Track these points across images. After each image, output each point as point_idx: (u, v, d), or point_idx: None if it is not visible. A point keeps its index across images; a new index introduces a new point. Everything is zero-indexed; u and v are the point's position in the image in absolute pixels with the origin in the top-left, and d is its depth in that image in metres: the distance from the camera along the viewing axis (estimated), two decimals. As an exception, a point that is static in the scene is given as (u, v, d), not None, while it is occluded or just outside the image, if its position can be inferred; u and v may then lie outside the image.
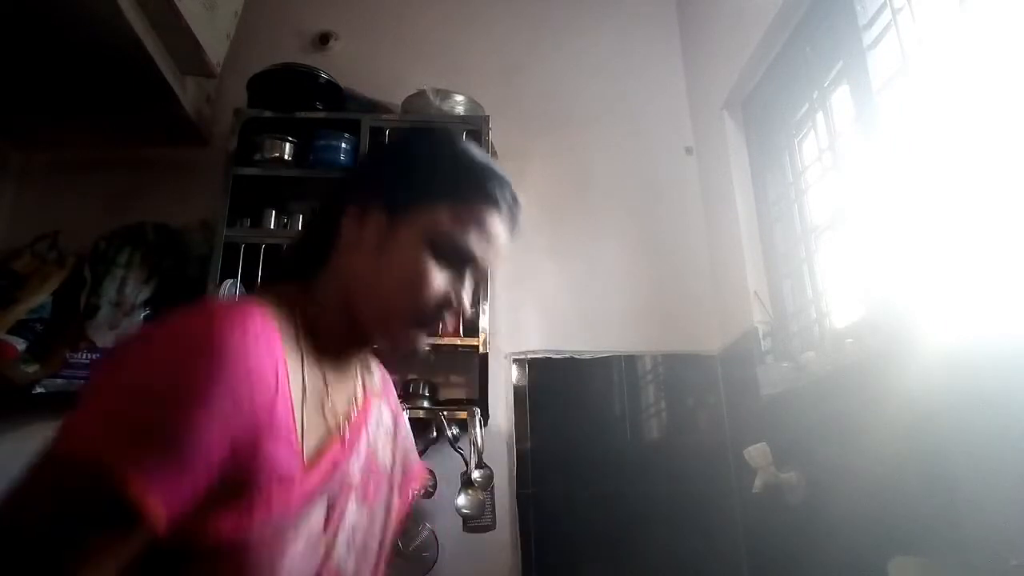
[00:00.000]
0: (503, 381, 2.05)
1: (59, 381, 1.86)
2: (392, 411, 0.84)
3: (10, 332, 1.90)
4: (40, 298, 1.95)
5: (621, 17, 2.52)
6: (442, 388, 2.00)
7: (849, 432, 1.37)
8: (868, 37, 1.45)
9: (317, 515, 0.63)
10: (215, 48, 1.96)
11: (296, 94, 2.07)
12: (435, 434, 1.89)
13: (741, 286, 1.94)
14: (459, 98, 2.13)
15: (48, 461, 0.50)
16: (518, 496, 1.92)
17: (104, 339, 1.90)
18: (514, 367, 2.07)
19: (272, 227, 1.99)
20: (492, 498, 1.80)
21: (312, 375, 0.67)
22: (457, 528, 1.76)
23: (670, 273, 2.20)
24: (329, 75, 2.11)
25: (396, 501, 0.80)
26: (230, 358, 0.53)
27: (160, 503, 0.49)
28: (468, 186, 0.70)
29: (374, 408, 0.79)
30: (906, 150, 1.32)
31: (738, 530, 1.89)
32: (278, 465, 0.58)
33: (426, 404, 1.90)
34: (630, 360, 2.10)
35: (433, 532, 1.82)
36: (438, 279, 0.68)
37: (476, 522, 1.75)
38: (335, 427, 0.69)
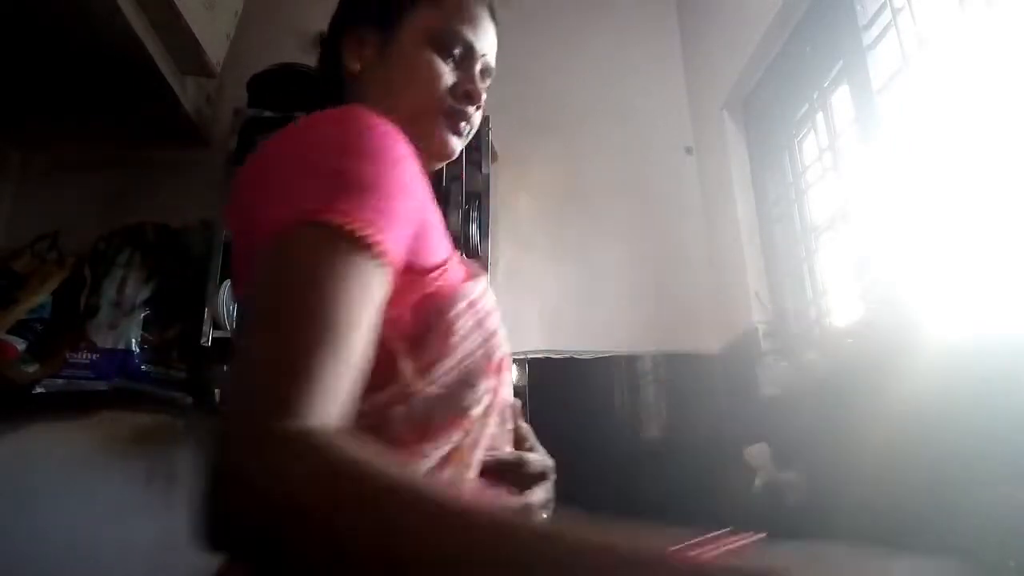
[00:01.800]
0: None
1: (59, 381, 1.86)
2: None
3: (10, 332, 1.89)
4: (40, 298, 1.95)
5: (621, 17, 2.52)
6: (442, 388, 2.00)
7: (849, 432, 1.37)
8: (868, 37, 1.45)
9: (479, 298, 0.67)
10: (215, 48, 1.95)
11: (296, 94, 2.07)
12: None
13: (741, 286, 1.94)
14: (459, 98, 2.13)
15: (266, 248, 0.49)
16: (518, 496, 1.92)
17: (104, 339, 1.90)
18: (514, 367, 2.07)
19: (272, 227, 1.98)
20: (492, 498, 1.79)
21: None
22: (457, 528, 1.76)
23: (670, 273, 2.20)
24: (329, 75, 2.10)
25: None
26: (393, 131, 0.58)
27: (383, 240, 0.50)
28: None
29: None
30: (906, 150, 1.32)
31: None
32: (441, 243, 0.63)
33: (426, 404, 1.90)
34: (630, 360, 2.09)
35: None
36: (447, 71, 0.72)
37: (476, 522, 1.75)
38: None
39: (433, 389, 0.59)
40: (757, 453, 1.61)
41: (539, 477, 0.71)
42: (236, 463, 0.40)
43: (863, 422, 1.32)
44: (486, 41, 0.76)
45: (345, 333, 0.46)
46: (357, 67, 0.74)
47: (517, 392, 2.09)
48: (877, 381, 1.27)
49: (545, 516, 0.71)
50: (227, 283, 1.89)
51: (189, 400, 1.93)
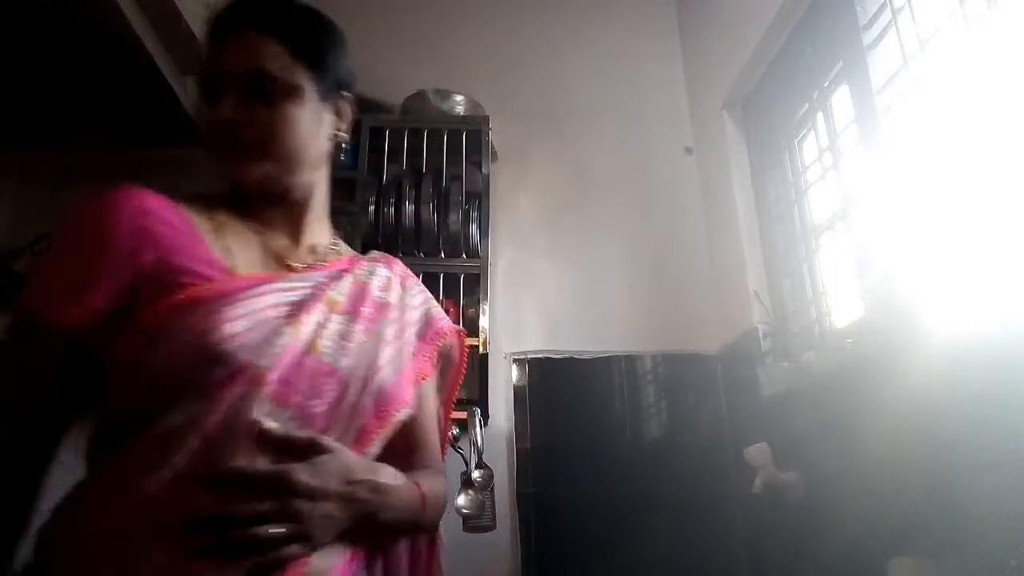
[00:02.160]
0: (503, 381, 2.05)
1: (59, 381, 1.86)
2: (401, 277, 0.88)
3: (10, 332, 1.89)
4: (40, 298, 1.95)
5: (621, 17, 2.52)
6: (442, 388, 2.00)
7: (849, 432, 1.37)
8: (868, 37, 1.45)
9: (266, 307, 0.69)
10: (215, 48, 1.95)
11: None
12: (435, 434, 1.89)
13: (741, 286, 1.94)
14: (459, 98, 2.13)
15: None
16: (518, 496, 1.92)
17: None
18: (514, 367, 2.07)
19: (272, 227, 1.98)
20: (492, 498, 1.79)
21: (236, 226, 0.77)
22: (457, 528, 1.76)
23: (670, 273, 2.20)
24: (329, 75, 2.10)
25: (413, 339, 0.84)
26: (113, 207, 0.69)
27: (59, 309, 0.65)
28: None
29: (365, 266, 0.84)
30: (906, 150, 1.32)
31: (738, 530, 1.89)
32: (192, 272, 0.68)
33: (426, 404, 1.90)
34: (630, 360, 2.09)
35: (433, 532, 1.82)
36: (208, 114, 0.76)
37: (476, 522, 1.75)
38: (274, 259, 0.78)
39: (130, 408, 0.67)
40: (757, 453, 1.61)
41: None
42: None
43: (863, 422, 1.32)
44: (230, 60, 0.75)
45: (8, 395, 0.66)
46: None
47: (517, 392, 2.10)
48: (877, 381, 1.27)
49: None
50: (227, 283, 1.89)
51: (189, 400, 1.93)
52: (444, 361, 0.89)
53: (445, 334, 0.89)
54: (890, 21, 1.37)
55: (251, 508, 0.59)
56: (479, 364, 1.89)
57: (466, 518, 1.74)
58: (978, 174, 1.13)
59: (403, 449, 0.77)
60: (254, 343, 0.65)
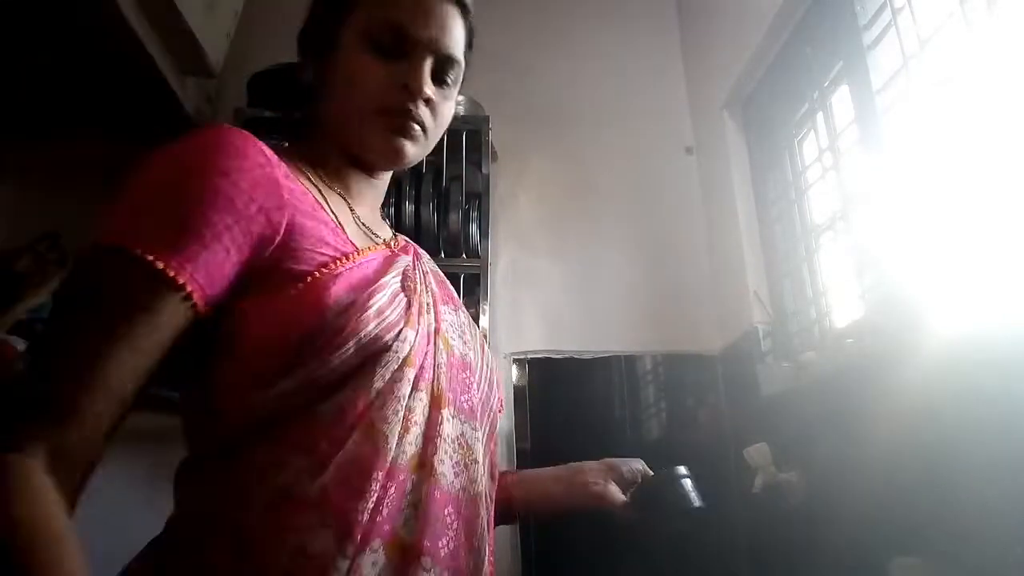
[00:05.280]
0: (503, 381, 2.05)
1: (59, 381, 1.86)
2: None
3: (10, 332, 1.89)
4: (40, 298, 1.95)
5: (621, 17, 2.52)
6: (442, 388, 2.00)
7: (849, 432, 1.37)
8: (868, 37, 1.45)
9: (397, 292, 0.64)
10: (215, 48, 1.95)
11: (297, 94, 2.06)
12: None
13: (741, 286, 1.94)
14: (459, 98, 2.12)
15: (80, 257, 0.53)
16: (518, 496, 1.92)
17: (104, 339, 1.90)
18: (514, 367, 2.07)
19: (272, 227, 1.98)
20: (492, 498, 1.79)
21: (327, 190, 0.70)
22: (457, 528, 1.76)
23: (670, 273, 2.20)
24: (329, 75, 2.10)
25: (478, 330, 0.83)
26: (239, 149, 0.57)
27: (175, 263, 0.51)
28: None
29: (423, 254, 0.82)
30: (906, 150, 1.32)
31: (738, 530, 1.89)
32: (324, 241, 0.60)
33: (426, 404, 1.90)
34: (630, 360, 2.09)
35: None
36: (378, 70, 0.68)
37: (476, 522, 1.75)
38: (373, 238, 0.73)
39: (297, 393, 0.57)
40: (757, 453, 1.61)
41: None
42: None
43: (863, 422, 1.32)
44: (435, 29, 0.70)
45: (110, 366, 0.49)
46: (310, 80, 0.76)
47: (517, 392, 2.10)
48: (877, 381, 1.27)
49: None
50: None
51: (189, 400, 1.93)
52: None
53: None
54: (890, 21, 1.37)
55: None
56: (479, 364, 1.89)
57: (466, 518, 1.74)
58: (978, 174, 1.13)
59: None
60: (403, 328, 0.62)
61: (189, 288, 0.52)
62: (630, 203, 2.28)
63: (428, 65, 0.70)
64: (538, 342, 2.10)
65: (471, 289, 1.95)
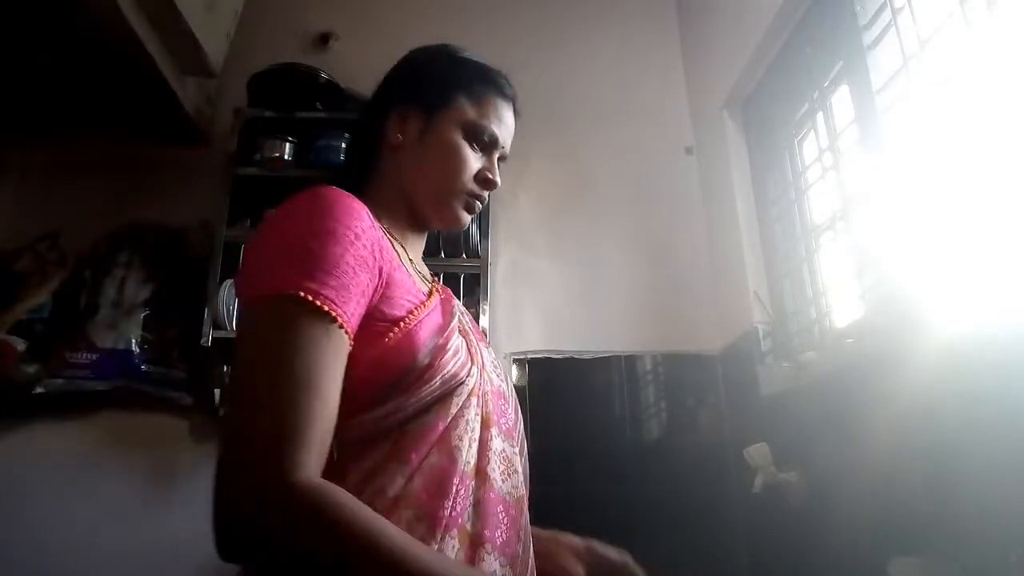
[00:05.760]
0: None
1: (59, 381, 1.86)
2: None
3: (10, 332, 1.90)
4: (40, 298, 1.95)
5: (621, 17, 2.52)
6: (442, 388, 1.99)
7: (849, 432, 1.37)
8: (868, 37, 1.45)
9: (458, 342, 0.76)
10: (215, 48, 1.96)
11: (296, 94, 2.07)
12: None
13: (741, 286, 1.94)
14: (459, 98, 2.13)
15: (250, 312, 0.65)
16: (518, 496, 1.92)
17: (104, 339, 1.90)
18: (514, 367, 2.07)
19: (272, 227, 1.98)
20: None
21: (394, 240, 0.82)
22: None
23: (670, 273, 2.20)
24: (329, 75, 2.11)
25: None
26: (353, 208, 0.69)
27: (342, 313, 0.63)
28: (482, 82, 0.87)
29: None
30: (906, 150, 1.32)
31: (738, 530, 1.89)
32: (409, 291, 0.73)
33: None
34: (630, 360, 2.09)
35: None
36: (473, 159, 0.85)
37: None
38: (426, 282, 0.85)
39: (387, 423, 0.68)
40: (757, 453, 1.61)
41: None
42: (249, 514, 0.55)
43: (863, 422, 1.32)
44: (507, 135, 0.88)
45: (322, 392, 0.61)
46: (397, 140, 0.85)
47: (517, 392, 2.08)
48: (877, 381, 1.27)
49: None
50: (227, 283, 1.89)
51: (189, 400, 1.93)
52: None
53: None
54: (890, 21, 1.37)
55: None
56: (479, 364, 1.89)
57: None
58: (978, 174, 1.13)
59: None
60: (471, 366, 0.75)
61: (347, 329, 0.65)
62: (630, 203, 2.28)
63: (494, 159, 0.88)
64: (538, 342, 2.10)
65: (471, 289, 1.96)
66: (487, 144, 0.86)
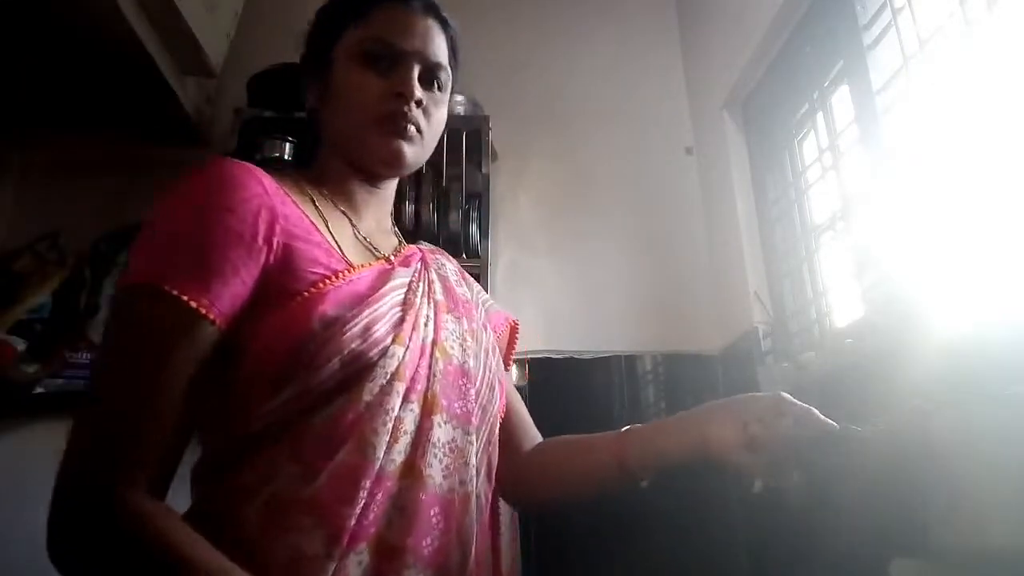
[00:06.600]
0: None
1: (59, 381, 1.86)
2: (458, 269, 0.91)
3: (10, 332, 1.89)
4: (40, 298, 1.95)
5: (621, 17, 2.52)
6: (442, 388, 2.00)
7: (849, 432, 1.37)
8: (868, 37, 1.45)
9: (393, 306, 0.69)
10: (215, 48, 1.96)
11: (296, 94, 2.06)
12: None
13: (741, 286, 1.94)
14: (459, 98, 2.13)
15: (112, 302, 0.66)
16: (518, 496, 1.92)
17: (104, 339, 1.90)
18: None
19: (272, 227, 1.98)
20: (492, 498, 1.79)
21: (328, 208, 0.77)
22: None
23: (670, 273, 2.20)
24: (329, 75, 2.10)
25: (491, 331, 0.88)
26: (239, 181, 0.65)
27: (204, 299, 0.58)
28: (362, 2, 0.79)
29: (435, 258, 0.86)
30: (906, 150, 1.32)
31: (738, 530, 1.89)
32: (317, 261, 0.66)
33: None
34: (630, 360, 2.09)
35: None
36: (374, 81, 0.76)
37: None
38: (364, 244, 0.78)
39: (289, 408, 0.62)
40: (757, 453, 1.61)
41: None
42: (70, 532, 0.55)
43: (863, 422, 1.32)
44: (417, 40, 0.77)
45: (170, 392, 0.57)
46: (314, 105, 0.82)
47: (517, 392, 2.08)
48: (877, 381, 1.27)
49: None
50: (227, 283, 1.89)
51: (189, 400, 1.93)
52: (507, 348, 1.01)
53: (513, 325, 1.01)
54: (890, 21, 1.37)
55: None
56: (479, 364, 1.89)
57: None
58: (978, 174, 1.13)
59: (510, 430, 0.94)
60: (390, 345, 0.66)
61: (212, 316, 0.59)
62: (630, 203, 2.28)
63: (416, 72, 0.77)
64: (538, 342, 2.10)
65: (471, 289, 1.95)
66: (387, 56, 0.76)
